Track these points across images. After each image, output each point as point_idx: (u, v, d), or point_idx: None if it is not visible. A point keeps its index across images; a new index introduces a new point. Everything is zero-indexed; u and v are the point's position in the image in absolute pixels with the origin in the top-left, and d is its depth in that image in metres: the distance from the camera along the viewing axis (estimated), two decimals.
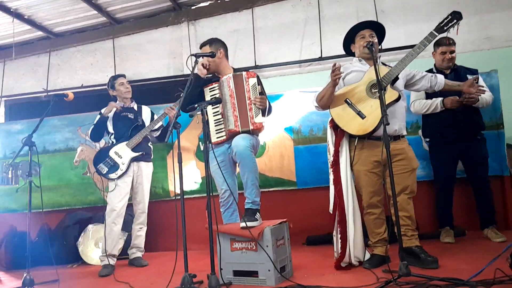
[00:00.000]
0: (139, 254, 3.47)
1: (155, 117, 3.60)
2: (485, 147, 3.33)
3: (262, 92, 2.85)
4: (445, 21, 2.52)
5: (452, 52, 3.29)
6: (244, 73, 2.81)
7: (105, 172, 3.41)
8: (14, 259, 3.68)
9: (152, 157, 3.63)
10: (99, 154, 3.50)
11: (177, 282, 2.30)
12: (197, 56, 2.70)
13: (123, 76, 3.65)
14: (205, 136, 2.42)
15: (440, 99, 3.20)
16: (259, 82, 2.83)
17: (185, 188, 3.88)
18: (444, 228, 3.35)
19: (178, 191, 2.43)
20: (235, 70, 2.94)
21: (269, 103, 2.86)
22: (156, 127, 3.56)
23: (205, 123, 2.42)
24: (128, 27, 5.16)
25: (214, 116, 2.81)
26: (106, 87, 4.79)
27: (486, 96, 3.24)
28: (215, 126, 2.80)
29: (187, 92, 2.48)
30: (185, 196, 3.69)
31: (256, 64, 4.79)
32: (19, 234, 3.83)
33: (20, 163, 4.01)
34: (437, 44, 3.30)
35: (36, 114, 4.33)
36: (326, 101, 2.69)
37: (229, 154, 2.77)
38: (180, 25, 5.07)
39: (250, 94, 2.76)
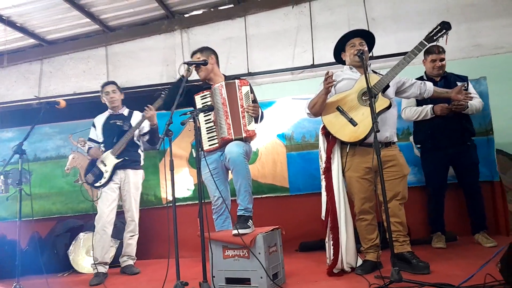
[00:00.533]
0: (131, 262, 3.44)
1: (145, 123, 3.52)
2: (476, 153, 3.37)
3: (255, 100, 2.86)
4: (435, 31, 2.57)
5: (442, 60, 3.34)
6: (237, 81, 2.82)
7: (91, 181, 3.40)
8: (4, 268, 3.62)
9: (141, 164, 3.57)
10: (89, 164, 3.48)
11: None
12: (189, 64, 2.72)
13: (111, 83, 3.59)
14: (197, 144, 2.42)
15: (430, 106, 3.25)
16: (251, 90, 2.85)
17: (178, 195, 3.88)
18: (436, 233, 3.38)
19: (170, 198, 2.42)
20: (228, 77, 2.95)
21: (261, 110, 2.87)
22: (145, 131, 3.50)
23: (197, 130, 2.43)
24: (121, 35, 5.17)
25: (206, 123, 2.81)
26: (99, 94, 4.86)
27: (476, 103, 3.29)
28: (207, 133, 2.80)
29: (178, 100, 2.49)
30: (177, 203, 3.68)
31: (249, 71, 4.82)
32: (9, 243, 3.78)
33: (10, 171, 3.97)
34: (427, 52, 3.35)
35: (28, 121, 4.31)
36: (318, 108, 2.72)
37: (221, 161, 2.77)
38: (173, 32, 5.09)
39: (243, 102, 2.77)
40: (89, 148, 3.51)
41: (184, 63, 2.66)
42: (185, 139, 3.97)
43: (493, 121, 3.67)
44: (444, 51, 3.34)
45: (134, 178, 3.47)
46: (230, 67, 4.85)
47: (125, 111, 3.61)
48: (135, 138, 3.49)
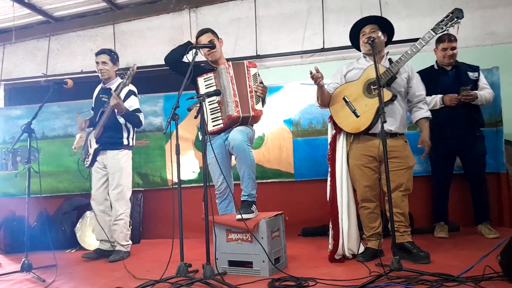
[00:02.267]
0: (119, 247, 3.26)
1: (132, 98, 3.30)
2: (483, 144, 3.34)
3: (262, 83, 2.85)
4: (445, 19, 2.45)
5: (454, 48, 3.27)
6: (245, 61, 2.83)
7: (82, 159, 3.43)
8: (13, 243, 3.72)
9: (124, 144, 3.30)
10: (85, 141, 3.45)
11: (173, 270, 2.34)
12: (197, 47, 2.70)
13: (102, 53, 3.31)
14: (203, 129, 2.43)
15: (440, 96, 3.22)
16: (258, 74, 2.84)
17: (183, 178, 3.91)
18: (439, 223, 3.39)
19: (176, 180, 2.45)
20: (235, 59, 2.94)
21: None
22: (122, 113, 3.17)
23: (203, 115, 2.43)
24: (129, 13, 5.11)
25: (210, 105, 2.80)
26: None
27: (485, 94, 3.24)
28: (211, 114, 2.79)
29: (185, 84, 2.49)
30: (182, 185, 3.72)
31: (258, 53, 4.76)
32: (18, 219, 3.86)
33: (19, 149, 4.02)
34: (439, 41, 3.28)
35: (35, 98, 4.33)
36: (322, 100, 2.76)
37: (225, 147, 2.77)
38: (181, 12, 5.02)
39: (251, 82, 2.77)
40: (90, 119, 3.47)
41: (192, 47, 2.66)
42: (192, 122, 3.97)
43: (503, 112, 3.63)
44: (455, 40, 3.27)
45: (114, 160, 3.25)
46: (238, 48, 4.80)
47: (114, 85, 3.28)
48: (117, 116, 3.22)
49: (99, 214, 3.34)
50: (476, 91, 3.23)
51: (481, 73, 3.36)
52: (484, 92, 3.25)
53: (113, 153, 3.28)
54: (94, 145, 3.32)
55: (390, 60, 2.70)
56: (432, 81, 3.23)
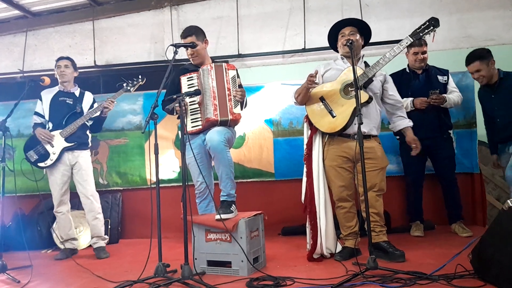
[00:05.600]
0: (102, 244, 3.36)
1: (95, 105, 3.44)
2: (452, 146, 3.47)
3: (240, 85, 2.86)
4: (422, 27, 2.57)
5: (424, 52, 3.37)
6: (224, 64, 2.84)
7: (33, 160, 3.32)
8: None
9: (89, 146, 3.49)
10: (31, 140, 3.38)
11: (151, 270, 2.33)
12: (177, 46, 2.69)
13: (65, 58, 3.46)
14: (182, 128, 2.42)
15: (410, 99, 3.34)
16: (238, 75, 2.84)
17: (163, 177, 3.89)
18: (415, 222, 3.47)
19: (155, 179, 2.43)
20: (217, 58, 2.95)
21: (245, 97, 2.88)
22: (92, 116, 3.39)
23: (183, 114, 2.42)
24: (109, 9, 5.02)
25: (190, 105, 2.80)
26: (85, 70, 4.76)
27: (454, 97, 3.36)
28: (191, 115, 2.79)
29: (165, 83, 2.47)
30: (162, 185, 3.70)
31: (240, 52, 4.75)
32: None
33: None
34: (410, 45, 3.34)
35: (11, 95, 4.22)
36: (302, 99, 2.77)
37: (204, 147, 2.77)
38: (162, 9, 4.97)
39: (229, 85, 2.78)
40: (36, 124, 3.41)
41: (172, 45, 2.64)
42: (171, 121, 3.95)
43: (477, 114, 3.72)
44: (426, 44, 3.38)
45: (84, 157, 3.38)
46: (220, 47, 4.78)
47: (77, 91, 3.48)
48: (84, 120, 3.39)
49: (64, 215, 3.38)
50: (445, 95, 3.34)
51: (450, 77, 3.47)
52: (453, 95, 3.37)
53: (84, 153, 3.40)
54: (62, 145, 3.30)
55: (365, 62, 2.76)
56: (404, 84, 3.34)
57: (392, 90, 2.82)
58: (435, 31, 2.53)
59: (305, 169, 2.77)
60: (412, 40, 2.58)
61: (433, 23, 2.53)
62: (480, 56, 3.09)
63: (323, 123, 2.69)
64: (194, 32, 2.89)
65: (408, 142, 2.86)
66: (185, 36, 2.89)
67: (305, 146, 2.81)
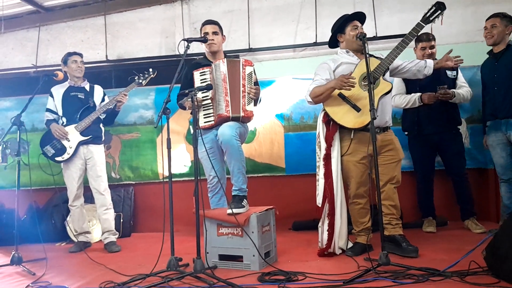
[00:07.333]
0: (112, 238, 3.40)
1: (106, 98, 3.52)
2: (461, 141, 3.41)
3: (256, 82, 2.85)
4: (430, 11, 2.57)
5: (432, 47, 3.32)
6: (241, 59, 2.82)
7: (51, 154, 3.37)
8: (3, 236, 3.69)
9: (103, 139, 3.54)
10: (46, 136, 3.42)
11: (164, 264, 2.35)
12: (189, 40, 2.69)
13: (80, 55, 3.54)
14: (195, 123, 2.42)
15: (418, 94, 3.27)
16: (254, 72, 2.83)
17: (174, 171, 3.91)
18: (427, 217, 3.44)
19: (167, 173, 2.45)
20: (228, 52, 2.94)
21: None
22: (105, 110, 3.44)
23: (195, 109, 2.42)
24: (120, 4, 5.03)
25: (203, 100, 2.81)
26: (97, 65, 4.80)
27: (463, 92, 3.29)
28: (204, 110, 2.80)
29: (177, 78, 2.47)
30: (174, 179, 3.71)
31: (250, 46, 4.73)
32: (7, 211, 3.84)
33: (8, 142, 3.98)
34: (418, 40, 3.33)
35: (25, 90, 4.27)
36: (322, 99, 2.69)
37: (217, 141, 2.78)
38: (173, 4, 4.96)
39: (245, 81, 2.76)
40: (49, 120, 3.46)
41: (184, 39, 2.65)
42: (183, 115, 3.97)
43: None
44: (434, 39, 3.33)
45: (98, 153, 3.45)
46: (230, 41, 4.75)
47: (87, 85, 3.55)
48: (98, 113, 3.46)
49: (78, 208, 3.44)
50: (453, 90, 3.28)
51: (459, 72, 3.41)
52: (462, 90, 3.31)
53: (98, 147, 3.47)
54: (78, 139, 3.35)
55: (371, 55, 2.72)
56: (411, 79, 3.27)
57: (399, 62, 2.77)
58: (442, 14, 2.55)
59: (322, 170, 2.66)
60: (424, 25, 2.58)
61: (440, 6, 2.54)
62: (503, 15, 3.11)
63: (348, 119, 2.62)
64: (217, 24, 2.97)
65: (445, 65, 2.79)
66: (210, 23, 2.93)
67: (321, 146, 2.70)
